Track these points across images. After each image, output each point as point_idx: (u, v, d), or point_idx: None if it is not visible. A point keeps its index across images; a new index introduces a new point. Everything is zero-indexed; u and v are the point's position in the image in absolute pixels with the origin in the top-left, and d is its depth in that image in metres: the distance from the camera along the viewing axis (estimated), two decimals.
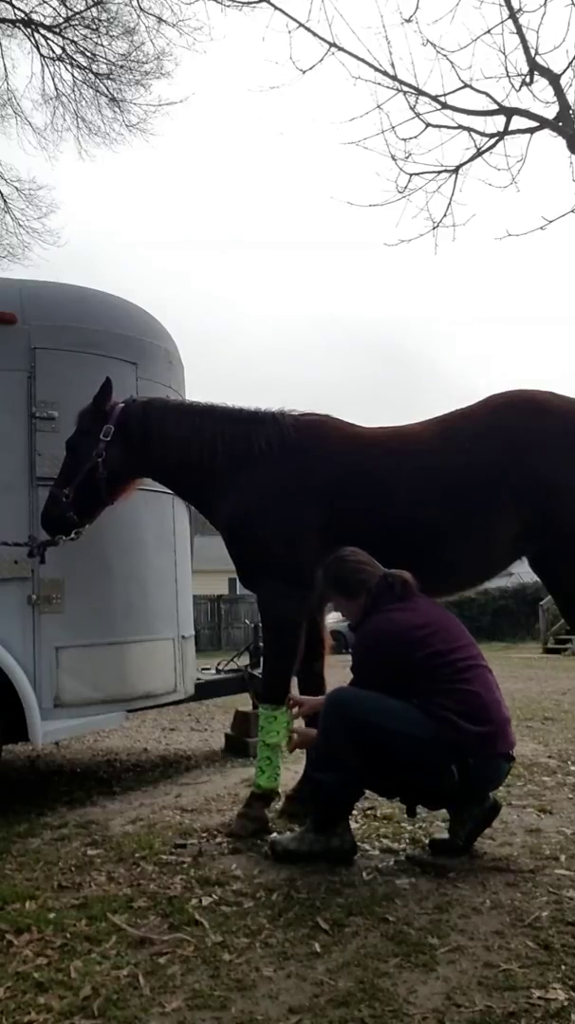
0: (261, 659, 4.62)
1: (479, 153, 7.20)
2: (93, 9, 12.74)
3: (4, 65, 13.43)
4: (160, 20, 12.50)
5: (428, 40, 6.90)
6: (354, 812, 3.63)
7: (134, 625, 4.24)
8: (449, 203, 7.32)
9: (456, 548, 3.30)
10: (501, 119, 7.15)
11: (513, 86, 6.98)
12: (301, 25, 7.01)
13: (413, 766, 2.81)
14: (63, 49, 13.15)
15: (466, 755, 2.77)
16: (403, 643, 2.90)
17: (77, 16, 12.83)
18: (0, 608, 3.83)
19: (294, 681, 3.63)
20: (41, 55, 13.19)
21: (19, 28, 12.99)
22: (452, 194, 7.30)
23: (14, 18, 12.82)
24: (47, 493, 3.75)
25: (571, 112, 6.88)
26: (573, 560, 3.22)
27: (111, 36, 13.00)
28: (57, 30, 12.96)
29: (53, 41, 13.11)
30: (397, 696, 2.85)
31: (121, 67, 13.23)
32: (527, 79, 6.90)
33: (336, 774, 2.87)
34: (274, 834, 3.18)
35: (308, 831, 3.00)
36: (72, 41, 13.11)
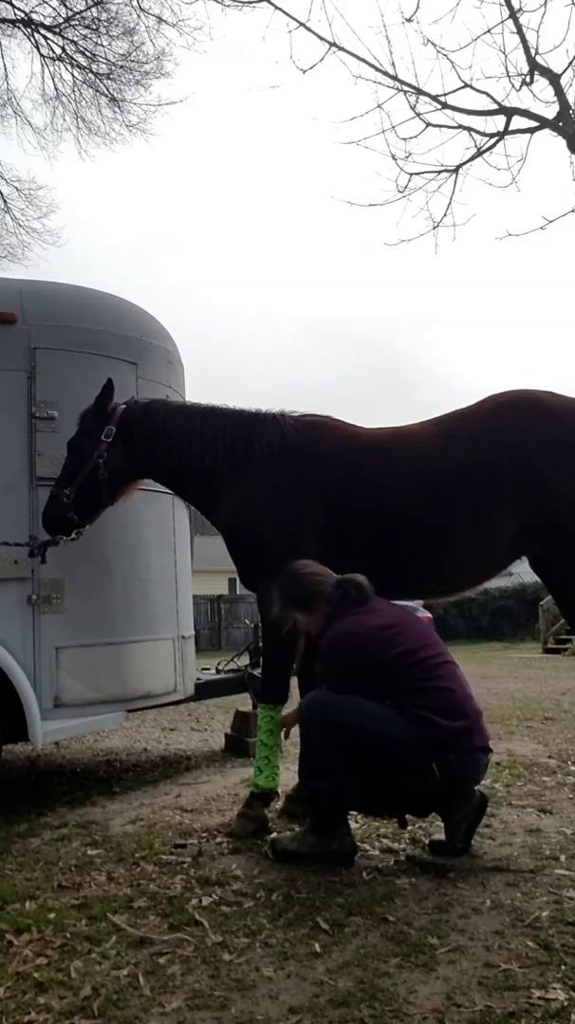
0: (261, 659, 4.62)
1: (479, 153, 7.20)
2: (93, 9, 12.75)
3: (4, 65, 13.45)
4: (160, 20, 12.51)
5: (428, 40, 6.90)
6: (354, 812, 3.64)
7: (134, 625, 4.24)
8: (449, 203, 7.32)
9: (456, 548, 3.30)
10: (501, 119, 7.15)
11: (513, 86, 6.98)
12: (301, 25, 7.01)
13: (394, 767, 2.81)
14: (63, 49, 13.16)
15: (446, 751, 2.78)
16: (373, 645, 2.89)
17: (77, 16, 12.84)
18: (0, 608, 3.83)
19: (294, 681, 3.63)
20: (41, 55, 13.20)
21: (19, 28, 12.99)
22: (452, 194, 7.30)
23: (14, 18, 12.82)
24: (47, 493, 3.75)
25: (571, 112, 6.88)
26: (573, 560, 3.22)
27: (111, 36, 13.01)
28: (57, 30, 12.96)
29: (53, 41, 13.11)
30: (371, 699, 2.85)
31: (121, 67, 13.23)
32: (527, 79, 6.90)
33: (326, 779, 2.87)
34: (275, 834, 3.18)
35: (307, 832, 2.99)
36: (72, 41, 13.12)
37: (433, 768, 2.78)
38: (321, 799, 2.95)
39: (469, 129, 7.17)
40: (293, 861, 2.92)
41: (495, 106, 7.09)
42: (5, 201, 14.63)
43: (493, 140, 7.16)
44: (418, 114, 7.07)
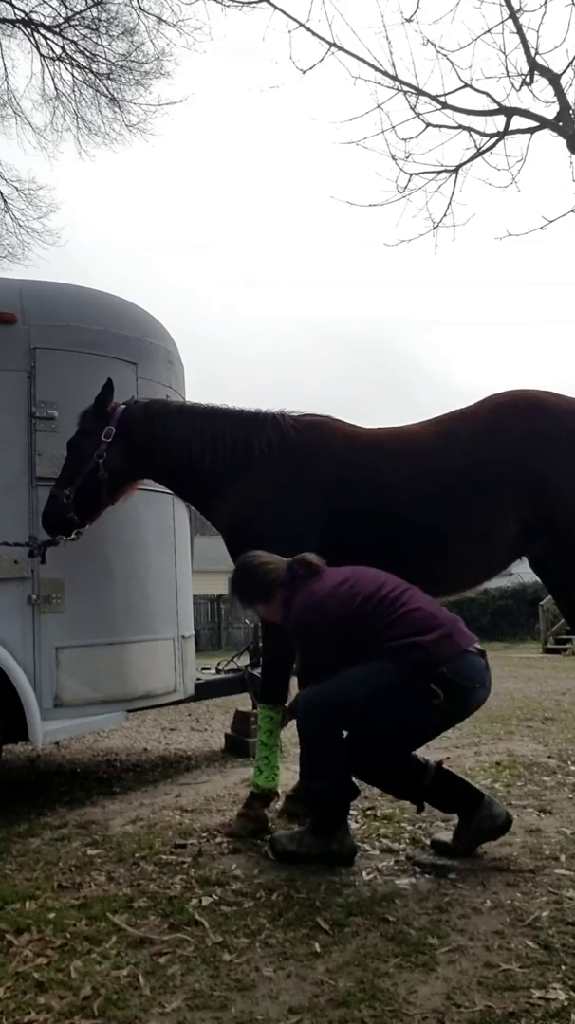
0: (261, 659, 4.62)
1: (479, 153, 7.20)
2: (93, 9, 12.74)
3: (4, 65, 13.44)
4: (160, 20, 12.51)
5: (428, 40, 6.90)
6: (354, 812, 3.64)
7: (134, 625, 4.24)
8: (449, 203, 7.33)
9: (456, 548, 3.30)
10: (501, 119, 7.15)
11: (513, 86, 6.98)
12: (301, 25, 7.00)
13: (401, 716, 2.79)
14: (63, 49, 13.16)
15: (438, 666, 2.74)
16: (334, 606, 2.88)
17: (77, 16, 12.83)
18: (0, 608, 3.83)
19: (293, 681, 3.63)
20: (41, 55, 13.20)
21: (19, 28, 12.98)
22: (452, 194, 7.30)
23: (14, 18, 12.82)
24: (47, 493, 3.75)
25: (571, 112, 6.88)
26: (573, 560, 3.22)
27: (111, 36, 13.01)
28: (57, 30, 12.96)
29: (53, 41, 13.11)
30: (349, 661, 2.84)
31: (121, 67, 13.22)
32: (527, 79, 6.90)
33: (324, 779, 2.88)
34: (276, 832, 3.18)
35: (307, 833, 2.99)
36: (72, 41, 13.11)
37: (434, 690, 2.72)
38: (321, 799, 2.95)
39: (469, 129, 7.18)
40: (292, 861, 2.93)
41: (495, 106, 7.09)
42: (5, 201, 14.63)
43: (493, 140, 7.16)
44: (418, 114, 7.08)
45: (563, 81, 6.85)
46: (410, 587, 2.96)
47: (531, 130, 7.11)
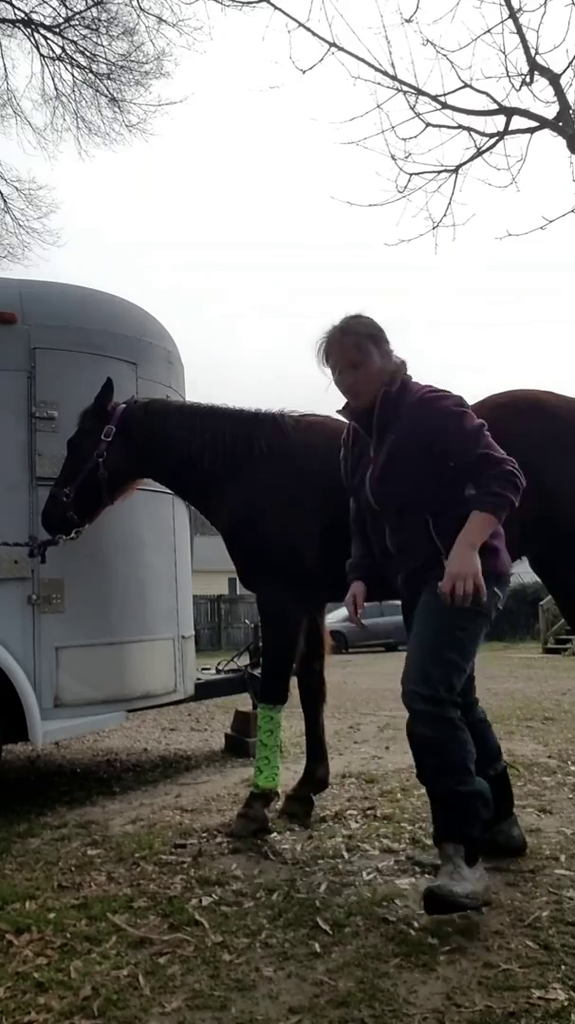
0: (261, 659, 4.62)
1: (479, 153, 7.19)
2: (93, 9, 12.75)
3: (4, 65, 13.45)
4: (160, 20, 12.52)
5: (428, 40, 6.89)
6: (354, 812, 3.64)
7: (134, 625, 4.24)
8: (449, 203, 7.31)
9: None
10: (501, 119, 7.14)
11: (513, 86, 6.97)
12: (301, 25, 6.99)
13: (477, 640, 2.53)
14: (63, 49, 13.16)
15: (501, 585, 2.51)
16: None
17: (77, 16, 12.84)
18: (0, 608, 3.83)
19: (293, 681, 3.63)
20: (41, 55, 13.21)
21: (19, 28, 12.99)
22: (452, 194, 7.29)
23: (14, 18, 12.82)
24: (47, 493, 3.75)
25: (571, 112, 6.87)
26: (573, 560, 3.22)
27: (111, 36, 13.02)
28: (57, 30, 12.96)
29: (53, 41, 13.12)
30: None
31: (121, 67, 13.23)
32: (527, 79, 6.89)
33: (469, 777, 2.38)
34: (435, 882, 2.33)
35: (458, 866, 2.34)
36: (72, 41, 13.12)
37: (498, 593, 2.51)
38: (470, 806, 2.37)
39: (469, 129, 7.16)
40: (460, 909, 2.30)
41: (495, 106, 7.08)
42: (5, 201, 14.64)
43: (493, 140, 7.15)
44: (418, 114, 7.06)
45: (563, 81, 6.84)
46: None
47: (531, 130, 7.11)
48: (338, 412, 2.78)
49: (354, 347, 2.60)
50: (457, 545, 2.37)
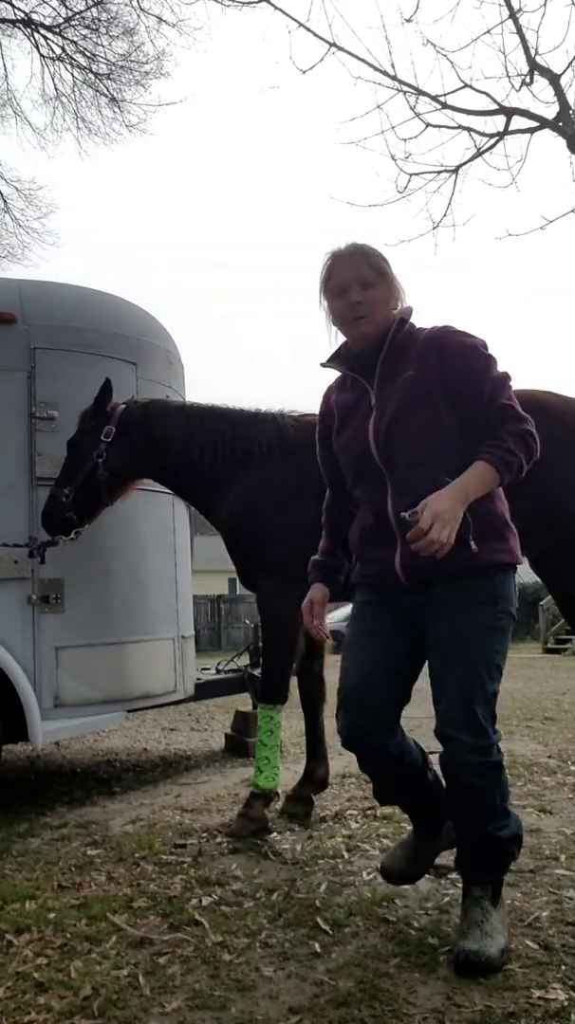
0: (261, 659, 4.62)
1: (479, 153, 7.20)
2: (93, 9, 12.76)
3: (4, 65, 13.45)
4: (160, 20, 12.53)
5: (428, 40, 6.90)
6: (354, 812, 3.64)
7: (134, 625, 4.24)
8: (449, 203, 7.33)
9: None
10: (501, 119, 7.15)
11: (513, 86, 6.98)
12: (301, 25, 7.00)
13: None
14: (63, 49, 13.17)
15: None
16: None
17: (77, 16, 12.84)
18: (0, 608, 3.83)
19: (293, 681, 3.63)
20: (41, 55, 13.21)
21: (19, 28, 12.99)
22: (452, 194, 7.30)
23: (14, 18, 12.83)
24: (47, 493, 3.75)
25: (571, 112, 6.88)
26: (573, 560, 3.22)
27: (111, 36, 13.03)
28: (57, 30, 12.97)
29: (53, 41, 13.12)
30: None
31: (121, 67, 13.24)
32: (527, 79, 6.90)
33: (512, 820, 2.19)
34: (468, 944, 2.07)
35: (487, 912, 2.12)
36: (72, 41, 13.13)
37: None
38: (513, 844, 2.18)
39: (469, 129, 7.17)
40: (496, 970, 2.04)
41: (495, 106, 7.09)
42: (5, 201, 14.65)
43: (493, 140, 7.17)
44: (418, 114, 7.07)
45: (563, 81, 6.85)
46: None
47: (531, 130, 7.11)
48: (324, 364, 2.35)
49: (368, 265, 2.22)
50: (451, 486, 1.99)
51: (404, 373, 2.15)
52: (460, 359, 2.15)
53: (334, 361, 2.34)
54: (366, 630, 2.29)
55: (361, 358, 2.26)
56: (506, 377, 2.16)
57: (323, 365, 2.35)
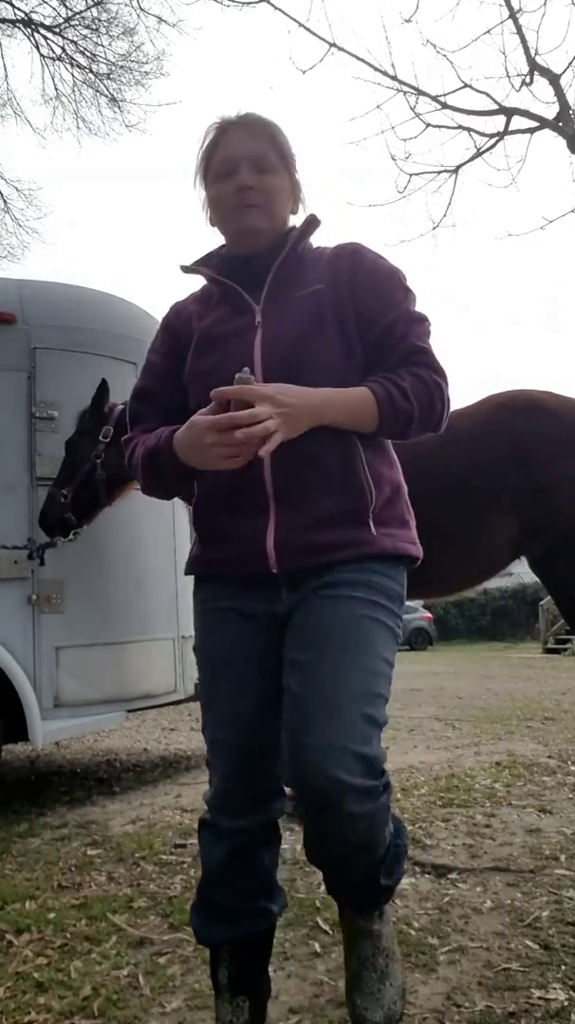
0: None
1: (479, 153, 7.22)
2: (93, 9, 12.76)
3: (4, 65, 13.47)
4: (160, 20, 12.54)
5: (428, 40, 6.94)
6: None
7: (134, 625, 4.25)
8: (449, 203, 7.37)
9: (454, 548, 3.30)
10: (501, 119, 7.16)
11: (513, 86, 7.00)
12: (301, 25, 7.02)
13: None
14: (63, 49, 13.16)
15: None
16: None
17: (77, 16, 12.84)
18: (0, 608, 3.83)
19: None
20: (41, 55, 13.20)
21: (19, 28, 12.99)
22: (452, 194, 7.32)
23: (14, 18, 12.82)
24: (47, 493, 3.75)
25: (571, 112, 6.89)
26: (573, 561, 3.22)
27: (111, 36, 13.02)
28: (57, 30, 12.96)
29: (53, 41, 13.11)
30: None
31: (121, 67, 13.24)
32: (527, 79, 6.92)
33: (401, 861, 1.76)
34: (369, 1009, 1.61)
35: (393, 962, 1.72)
36: (72, 41, 13.12)
37: None
38: (393, 886, 1.71)
39: (469, 129, 7.19)
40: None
41: (495, 106, 7.11)
42: (5, 201, 14.64)
43: (493, 140, 7.18)
44: (418, 115, 7.09)
45: (563, 81, 6.87)
46: None
47: (531, 130, 7.13)
48: (186, 268, 1.68)
49: (272, 145, 1.61)
50: (310, 389, 1.46)
51: (310, 286, 1.58)
52: (373, 279, 1.60)
53: (202, 262, 1.70)
54: (230, 653, 1.59)
55: (243, 263, 1.63)
56: (425, 319, 1.62)
57: (184, 269, 1.68)
